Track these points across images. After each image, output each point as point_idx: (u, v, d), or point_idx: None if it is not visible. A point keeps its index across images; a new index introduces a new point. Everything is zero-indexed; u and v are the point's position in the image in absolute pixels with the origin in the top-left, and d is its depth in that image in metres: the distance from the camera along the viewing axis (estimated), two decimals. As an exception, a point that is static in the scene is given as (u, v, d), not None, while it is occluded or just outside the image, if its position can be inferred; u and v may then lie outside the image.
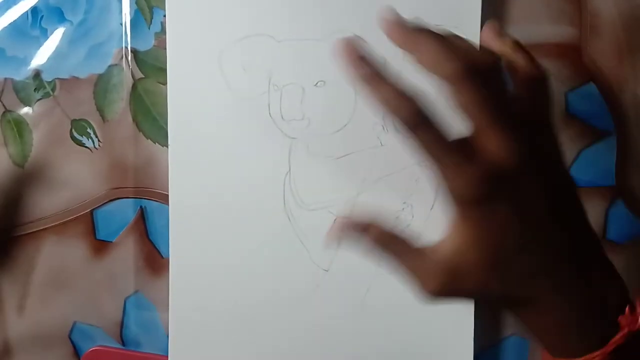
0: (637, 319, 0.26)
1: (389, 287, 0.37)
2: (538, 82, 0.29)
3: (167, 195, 0.39)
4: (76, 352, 0.43)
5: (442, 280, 0.27)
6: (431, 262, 0.28)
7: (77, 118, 0.41)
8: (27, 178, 0.42)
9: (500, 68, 0.27)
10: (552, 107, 0.29)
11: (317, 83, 0.37)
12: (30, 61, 0.41)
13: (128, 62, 0.40)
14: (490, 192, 0.26)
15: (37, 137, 0.42)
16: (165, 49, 0.38)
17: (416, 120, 0.26)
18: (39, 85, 0.42)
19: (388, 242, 0.28)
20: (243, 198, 0.38)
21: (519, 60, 0.29)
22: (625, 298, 0.27)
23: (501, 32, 0.30)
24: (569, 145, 0.38)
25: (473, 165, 0.26)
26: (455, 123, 0.26)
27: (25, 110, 0.42)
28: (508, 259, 0.27)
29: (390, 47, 0.36)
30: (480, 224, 0.27)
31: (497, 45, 0.29)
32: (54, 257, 0.42)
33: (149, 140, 0.41)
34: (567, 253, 0.27)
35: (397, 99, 0.26)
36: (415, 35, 0.27)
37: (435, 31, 0.27)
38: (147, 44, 0.40)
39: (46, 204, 0.42)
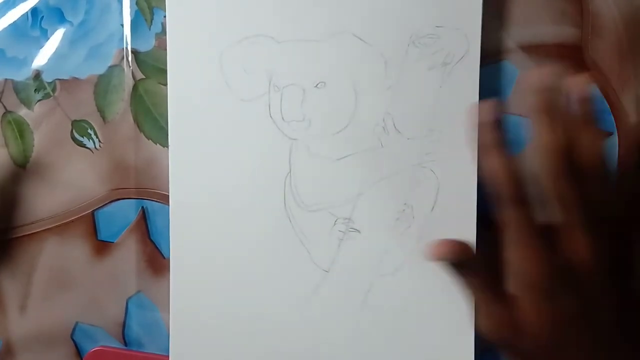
0: None
1: (390, 287, 0.37)
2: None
3: (168, 196, 0.39)
4: (78, 352, 0.43)
5: (498, 335, 0.28)
6: (498, 312, 0.28)
7: (78, 119, 0.41)
8: (28, 179, 0.42)
9: (606, 169, 0.26)
10: None
11: (317, 84, 0.37)
12: (31, 62, 0.41)
13: (129, 62, 0.40)
14: (557, 289, 0.26)
15: (38, 138, 0.42)
16: (166, 49, 0.38)
17: (515, 199, 0.26)
18: (39, 86, 0.42)
19: (480, 271, 0.28)
20: (243, 199, 0.38)
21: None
22: None
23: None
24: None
25: (550, 258, 0.26)
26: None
27: (26, 111, 0.42)
28: (555, 351, 0.26)
29: (391, 49, 0.36)
30: (545, 311, 0.26)
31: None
32: (56, 257, 0.42)
33: (150, 140, 0.41)
34: None
35: (508, 173, 0.26)
36: (541, 115, 0.26)
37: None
38: (147, 44, 0.40)
39: (47, 204, 0.42)
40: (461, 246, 0.28)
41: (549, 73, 0.26)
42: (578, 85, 0.26)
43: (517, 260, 0.27)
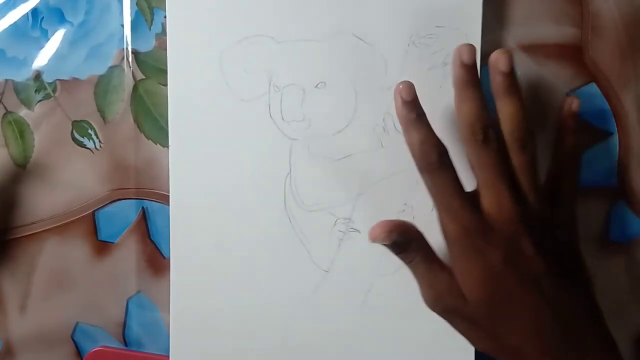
0: None
1: (390, 288, 0.37)
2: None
3: (169, 196, 0.39)
4: (79, 352, 0.43)
5: (442, 304, 0.29)
6: (440, 280, 0.29)
7: (78, 119, 0.41)
8: (28, 179, 0.42)
9: (525, 135, 0.28)
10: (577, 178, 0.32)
11: (317, 84, 0.37)
12: (31, 62, 0.41)
13: (129, 63, 0.40)
14: (480, 244, 0.27)
15: (38, 138, 0.42)
16: (166, 49, 0.38)
17: (436, 164, 0.28)
18: (39, 86, 0.42)
19: (422, 245, 0.30)
20: (244, 199, 0.38)
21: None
22: None
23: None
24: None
25: (469, 216, 0.27)
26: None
27: (26, 111, 0.42)
28: (496, 309, 0.28)
29: (391, 49, 0.36)
30: (473, 271, 0.28)
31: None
32: (56, 258, 0.42)
33: (150, 140, 0.41)
34: (563, 318, 0.27)
35: (426, 143, 0.28)
36: (461, 91, 0.29)
37: (477, 90, 0.29)
38: (147, 45, 0.40)
39: (48, 205, 0.42)
40: (397, 227, 0.29)
41: (468, 50, 0.28)
42: (499, 59, 0.28)
43: (443, 223, 0.28)
